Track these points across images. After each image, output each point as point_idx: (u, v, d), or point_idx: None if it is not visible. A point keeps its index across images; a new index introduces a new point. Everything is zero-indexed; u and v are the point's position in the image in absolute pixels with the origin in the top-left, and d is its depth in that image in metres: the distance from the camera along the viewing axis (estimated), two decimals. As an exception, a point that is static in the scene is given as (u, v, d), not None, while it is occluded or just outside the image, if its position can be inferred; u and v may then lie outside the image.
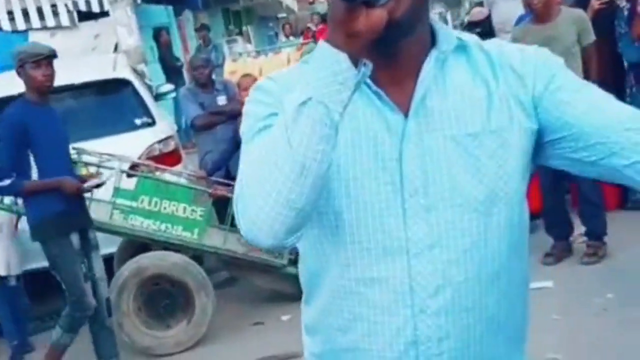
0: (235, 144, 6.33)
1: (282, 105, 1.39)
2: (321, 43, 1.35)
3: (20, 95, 5.19)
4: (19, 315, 6.29)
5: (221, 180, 6.50)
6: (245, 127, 1.53)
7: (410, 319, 1.52)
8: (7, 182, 4.91)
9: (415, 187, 1.50)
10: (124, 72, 7.79)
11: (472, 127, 1.51)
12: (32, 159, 5.00)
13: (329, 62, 1.33)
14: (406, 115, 1.50)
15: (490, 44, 1.58)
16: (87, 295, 5.19)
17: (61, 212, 5.01)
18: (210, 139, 7.11)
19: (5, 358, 6.20)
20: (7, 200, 6.00)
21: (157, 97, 9.19)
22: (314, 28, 14.09)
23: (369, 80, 1.48)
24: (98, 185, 5.31)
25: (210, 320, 5.77)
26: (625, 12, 6.73)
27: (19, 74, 5.09)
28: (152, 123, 7.32)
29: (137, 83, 7.72)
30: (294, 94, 1.35)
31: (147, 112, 7.40)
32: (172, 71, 13.21)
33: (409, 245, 1.50)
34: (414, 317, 1.52)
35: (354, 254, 1.52)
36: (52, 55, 5.05)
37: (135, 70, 8.92)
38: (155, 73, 12.66)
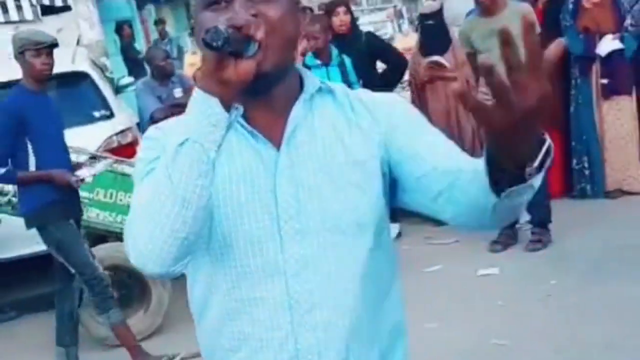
0: None
1: (164, 147, 1.52)
2: (196, 89, 1.48)
3: (17, 82, 5.16)
4: None
5: None
6: (135, 172, 1.66)
7: (291, 334, 1.64)
8: (1, 170, 4.88)
9: (289, 215, 1.63)
10: (82, 65, 7.77)
11: (338, 159, 1.66)
12: (29, 147, 4.98)
13: (203, 106, 1.47)
14: (279, 149, 1.64)
15: (353, 91, 1.77)
16: (98, 268, 5.18)
17: (56, 200, 5.01)
18: None
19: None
20: None
21: (118, 89, 9.19)
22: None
23: (242, 120, 1.63)
24: (83, 180, 5.28)
25: (166, 310, 5.79)
26: (571, 6, 6.81)
27: (17, 59, 5.05)
28: (111, 115, 7.31)
29: (95, 76, 7.71)
30: (174, 136, 1.48)
31: (105, 105, 7.39)
32: (134, 64, 13.15)
33: (286, 267, 1.63)
34: (294, 332, 1.63)
35: (238, 277, 1.64)
36: (54, 45, 5.03)
37: (96, 64, 8.91)
38: (117, 66, 12.61)
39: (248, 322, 1.66)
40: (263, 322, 1.65)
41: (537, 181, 1.42)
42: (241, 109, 1.59)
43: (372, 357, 1.71)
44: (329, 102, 1.71)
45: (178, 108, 6.86)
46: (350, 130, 1.69)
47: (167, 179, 1.47)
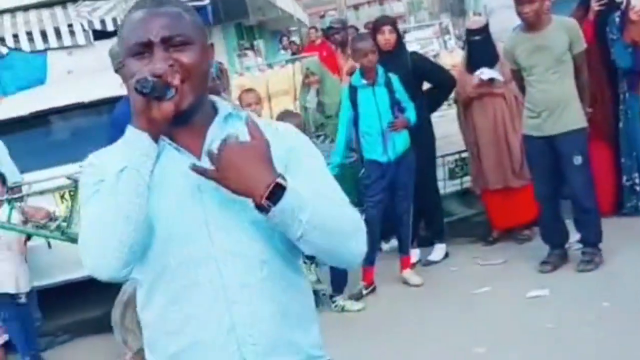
0: None
1: (105, 173, 1.89)
2: (129, 127, 1.87)
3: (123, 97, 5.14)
4: (30, 331, 6.23)
5: None
6: (81, 196, 1.99)
7: (226, 310, 1.92)
8: None
9: (215, 208, 1.93)
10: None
11: None
12: None
13: (137, 140, 1.86)
14: (199, 158, 1.96)
15: (260, 120, 2.03)
16: None
17: None
18: None
19: (18, 374, 6.11)
20: (16, 219, 5.98)
21: None
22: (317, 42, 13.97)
23: (169, 140, 1.97)
24: None
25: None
26: (617, 19, 6.57)
27: (119, 73, 5.02)
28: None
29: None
30: (114, 163, 1.86)
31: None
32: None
33: (216, 254, 1.93)
34: (228, 308, 1.92)
35: (178, 267, 1.93)
36: None
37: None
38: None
39: (190, 304, 1.93)
40: (202, 303, 1.93)
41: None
42: (166, 140, 1.96)
43: (291, 330, 2.00)
44: (239, 125, 2.00)
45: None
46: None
47: (112, 200, 1.83)
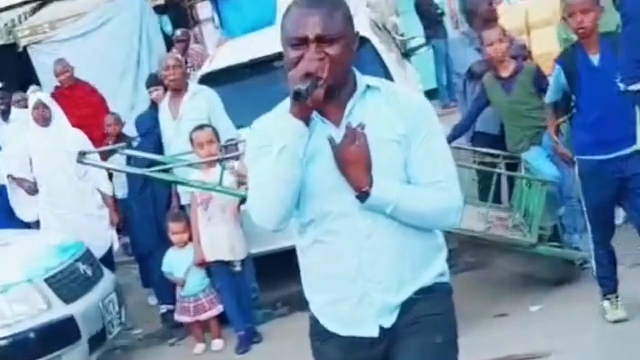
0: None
1: (267, 137, 2.57)
2: (287, 113, 2.52)
3: None
4: (245, 303, 6.26)
5: (483, 150, 6.29)
6: (248, 157, 2.72)
7: (355, 254, 2.58)
8: None
9: None
10: (362, 30, 7.23)
11: (383, 133, 2.57)
12: None
13: (293, 126, 2.51)
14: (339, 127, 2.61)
15: (396, 89, 2.72)
16: None
17: None
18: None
19: (231, 349, 6.16)
20: (229, 181, 5.94)
21: (408, 52, 8.78)
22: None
23: (317, 113, 2.56)
24: None
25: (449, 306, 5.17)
26: None
27: None
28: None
29: (376, 40, 7.34)
30: (277, 141, 2.51)
31: (385, 73, 6.87)
32: (430, 21, 12.53)
33: (353, 209, 2.56)
34: (357, 253, 2.58)
35: (323, 218, 2.59)
36: None
37: (379, 26, 8.56)
38: (410, 24, 12.09)
39: (328, 247, 2.60)
40: (338, 246, 2.58)
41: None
42: (317, 113, 2.56)
43: (415, 266, 2.63)
44: (376, 96, 2.62)
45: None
46: (391, 117, 2.59)
47: (274, 170, 2.50)
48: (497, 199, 6.16)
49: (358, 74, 2.63)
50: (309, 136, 2.52)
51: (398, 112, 2.60)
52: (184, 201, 6.61)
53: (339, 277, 2.61)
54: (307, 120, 2.50)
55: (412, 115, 2.60)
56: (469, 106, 6.53)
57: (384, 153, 2.56)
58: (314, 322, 2.73)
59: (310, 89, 2.43)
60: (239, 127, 6.51)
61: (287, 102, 2.54)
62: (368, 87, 2.61)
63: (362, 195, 2.53)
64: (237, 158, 6.16)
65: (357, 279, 2.59)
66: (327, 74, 2.46)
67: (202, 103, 6.64)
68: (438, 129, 2.66)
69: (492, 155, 6.33)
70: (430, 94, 10.44)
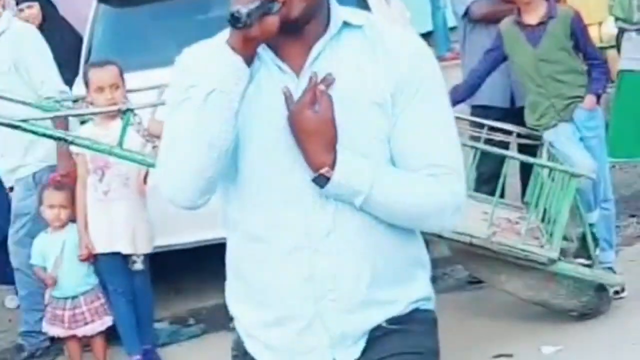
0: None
1: (198, 76, 2.20)
2: (223, 42, 2.17)
3: None
4: (146, 315, 5.63)
5: (487, 122, 5.85)
6: (169, 97, 2.37)
7: (307, 259, 2.26)
8: None
9: None
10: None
11: (357, 97, 2.24)
12: None
13: (228, 61, 2.15)
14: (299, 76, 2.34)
15: (385, 27, 2.35)
16: None
17: None
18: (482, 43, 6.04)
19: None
20: (135, 142, 5.14)
21: None
22: None
23: (272, 55, 2.26)
24: None
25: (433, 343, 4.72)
26: None
27: None
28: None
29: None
30: (204, 82, 2.17)
31: (358, 3, 6.28)
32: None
33: (305, 193, 2.24)
34: (310, 257, 2.26)
35: (262, 202, 2.28)
36: None
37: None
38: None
39: (268, 248, 2.30)
40: (283, 248, 2.27)
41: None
42: (270, 53, 2.24)
43: (389, 281, 2.33)
44: (355, 39, 2.29)
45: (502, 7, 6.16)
46: (374, 69, 2.27)
47: (195, 123, 2.16)
48: (501, 194, 5.73)
49: (334, 4, 2.33)
50: (251, 81, 2.22)
51: (384, 62, 2.29)
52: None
53: (280, 289, 2.33)
54: (249, 58, 2.19)
55: (404, 67, 2.28)
56: (478, 60, 5.96)
57: (359, 120, 2.27)
58: (238, 348, 2.48)
59: (256, 13, 2.11)
60: (153, 66, 5.79)
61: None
62: (346, 24, 2.30)
63: (321, 179, 2.22)
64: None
65: (306, 293, 2.30)
66: None
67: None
68: (440, 88, 2.35)
69: (502, 131, 5.84)
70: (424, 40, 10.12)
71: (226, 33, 2.22)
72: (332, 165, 2.19)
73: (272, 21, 2.11)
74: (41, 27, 6.91)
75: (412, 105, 2.25)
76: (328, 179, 2.19)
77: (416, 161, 2.26)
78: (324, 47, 2.26)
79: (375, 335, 2.34)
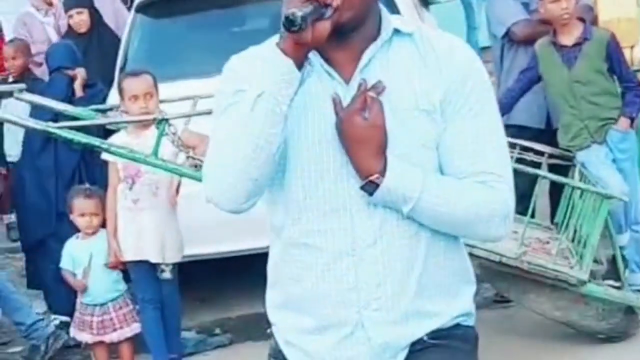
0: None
1: (247, 81, 2.20)
2: (274, 45, 2.15)
3: None
4: (173, 324, 5.65)
5: (519, 141, 5.73)
6: (215, 104, 2.36)
7: (353, 266, 2.26)
8: None
9: None
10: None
11: (405, 104, 2.24)
12: None
13: (279, 64, 2.13)
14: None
15: (435, 36, 2.34)
16: None
17: None
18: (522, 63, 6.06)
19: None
20: (167, 151, 5.13)
21: (429, 1, 8.70)
22: None
23: (322, 61, 2.26)
24: None
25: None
26: None
27: None
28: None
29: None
30: (253, 85, 2.16)
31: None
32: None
33: (351, 201, 2.25)
34: (355, 264, 2.26)
35: (307, 208, 2.27)
36: None
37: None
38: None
39: (311, 251, 2.30)
40: (326, 253, 2.27)
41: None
42: (320, 59, 2.24)
43: (433, 293, 2.31)
44: (405, 46, 2.29)
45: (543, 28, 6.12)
46: (421, 77, 2.26)
47: (243, 125, 2.15)
48: (531, 214, 5.73)
49: (384, 12, 2.34)
50: (302, 86, 2.20)
51: (434, 69, 2.29)
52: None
53: (323, 296, 2.31)
54: (300, 62, 2.16)
55: (454, 74, 2.27)
56: (514, 80, 6.00)
57: (408, 127, 2.26)
58: (276, 355, 2.44)
59: (311, 17, 2.11)
60: (188, 77, 5.95)
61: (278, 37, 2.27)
62: (396, 31, 2.31)
63: (370, 186, 2.22)
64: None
65: (350, 302, 2.29)
66: (338, 2, 2.16)
67: None
68: (490, 96, 2.33)
69: (534, 151, 5.81)
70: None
71: (273, 40, 2.21)
72: (382, 172, 2.19)
73: (324, 26, 2.11)
74: (88, 33, 7.10)
75: (461, 113, 2.25)
76: (377, 185, 2.18)
77: (465, 168, 2.26)
78: (374, 54, 2.26)
79: (416, 349, 2.32)
